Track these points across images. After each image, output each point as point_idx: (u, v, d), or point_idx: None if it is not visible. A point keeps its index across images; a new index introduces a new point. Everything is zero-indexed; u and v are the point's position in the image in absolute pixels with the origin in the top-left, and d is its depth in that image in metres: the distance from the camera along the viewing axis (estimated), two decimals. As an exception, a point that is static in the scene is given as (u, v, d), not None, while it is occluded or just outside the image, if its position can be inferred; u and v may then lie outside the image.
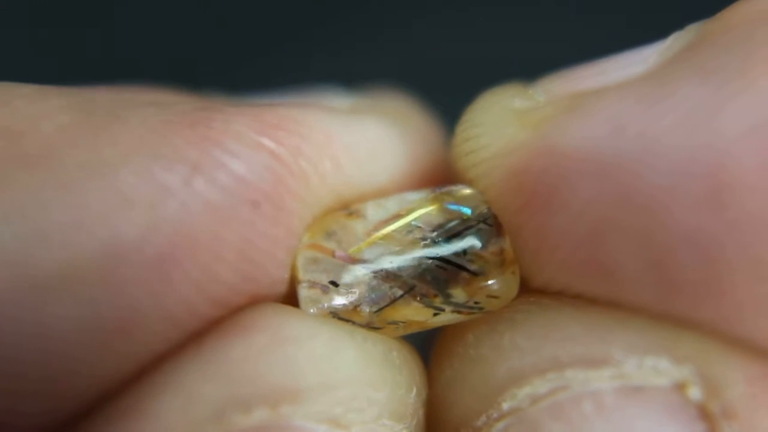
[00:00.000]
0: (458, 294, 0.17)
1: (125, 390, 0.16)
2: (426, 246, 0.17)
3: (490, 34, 0.41)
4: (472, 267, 0.17)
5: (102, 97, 0.17)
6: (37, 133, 0.15)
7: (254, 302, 0.16)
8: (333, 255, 0.17)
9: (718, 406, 0.15)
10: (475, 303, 0.17)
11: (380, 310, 0.17)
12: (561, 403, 0.15)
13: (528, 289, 0.17)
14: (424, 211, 0.17)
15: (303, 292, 0.17)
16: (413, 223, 0.17)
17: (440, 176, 0.19)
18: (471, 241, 0.17)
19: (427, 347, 0.18)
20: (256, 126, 0.16)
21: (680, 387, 0.15)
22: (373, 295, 0.17)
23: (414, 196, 0.18)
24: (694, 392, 0.15)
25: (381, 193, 0.18)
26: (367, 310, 0.17)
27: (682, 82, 0.15)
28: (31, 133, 0.15)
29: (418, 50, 0.41)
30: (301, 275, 0.17)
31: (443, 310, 0.17)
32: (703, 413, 0.15)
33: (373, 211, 0.17)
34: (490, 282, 0.17)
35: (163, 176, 0.15)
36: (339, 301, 0.17)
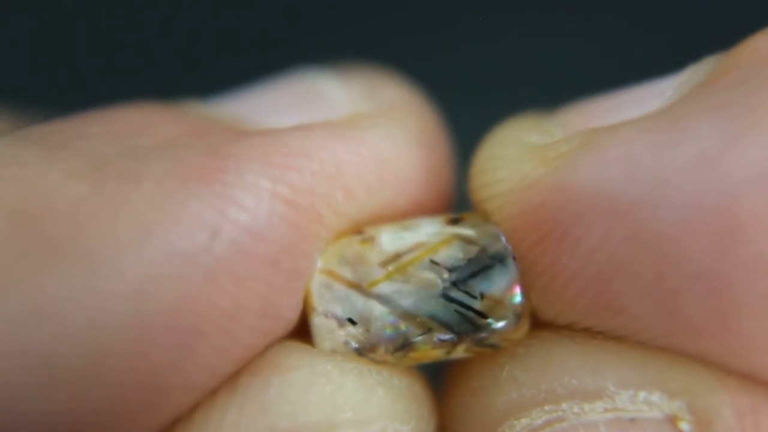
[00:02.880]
0: (474, 336, 0.17)
1: None
2: (444, 286, 0.17)
3: (496, 38, 0.41)
4: (490, 311, 0.17)
5: (109, 150, 0.16)
6: (53, 212, 0.15)
7: (271, 344, 0.17)
8: (348, 284, 0.17)
9: None
10: (490, 344, 0.17)
11: (397, 350, 0.17)
12: None
13: (536, 323, 0.17)
14: (441, 248, 0.17)
15: (319, 323, 0.17)
16: (431, 259, 0.17)
17: (447, 180, 0.20)
18: (489, 282, 0.17)
19: (439, 376, 0.19)
20: (268, 172, 0.16)
21: (672, 420, 0.16)
22: (391, 334, 0.17)
23: (429, 227, 0.18)
24: (685, 426, 0.16)
25: (393, 210, 0.18)
26: (383, 349, 0.17)
27: (695, 121, 0.15)
28: (47, 213, 0.15)
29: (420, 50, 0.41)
30: (316, 303, 0.17)
31: (457, 349, 0.17)
32: None
33: (388, 241, 0.17)
34: (506, 326, 0.17)
35: (185, 247, 0.15)
36: (357, 338, 0.17)
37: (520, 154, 0.17)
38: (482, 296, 0.17)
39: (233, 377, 0.16)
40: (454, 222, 0.18)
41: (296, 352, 0.17)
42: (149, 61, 0.42)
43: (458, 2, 0.41)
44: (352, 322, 0.17)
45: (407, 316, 0.17)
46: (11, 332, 0.14)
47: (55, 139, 0.17)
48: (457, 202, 0.20)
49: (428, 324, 0.17)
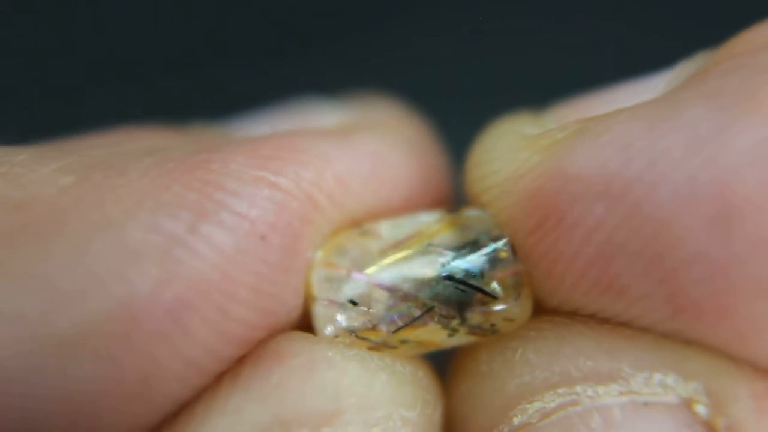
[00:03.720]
0: (475, 316, 0.17)
1: (163, 426, 0.16)
2: (443, 268, 0.17)
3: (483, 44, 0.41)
4: (489, 289, 0.17)
5: (98, 152, 0.17)
6: (42, 199, 0.15)
7: (274, 333, 0.17)
8: (348, 273, 0.17)
9: (723, 423, 0.15)
10: (491, 325, 0.17)
11: (398, 330, 0.17)
12: (570, 417, 0.16)
13: (542, 311, 0.17)
14: (440, 233, 0.17)
15: (319, 310, 0.17)
16: (430, 244, 0.17)
17: (441, 183, 0.20)
18: (488, 264, 0.17)
19: (444, 364, 0.18)
20: (252, 161, 0.16)
21: (687, 403, 0.16)
22: (391, 315, 0.17)
23: (427, 218, 0.18)
24: (701, 408, 0.15)
25: (390, 208, 0.18)
26: (385, 329, 0.17)
27: (689, 106, 0.15)
28: (36, 200, 0.15)
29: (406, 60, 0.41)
30: (317, 292, 0.17)
31: (458, 331, 0.17)
32: (710, 429, 0.15)
33: (387, 231, 0.18)
34: (506, 305, 0.17)
35: (169, 226, 0.15)
36: (358, 320, 0.17)
37: (515, 145, 0.17)
38: (481, 275, 0.17)
39: (236, 365, 0.16)
40: (451, 213, 0.18)
41: (298, 340, 0.17)
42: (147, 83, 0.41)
43: (452, 9, 0.41)
44: (353, 303, 0.17)
45: (409, 297, 0.17)
46: (1, 306, 0.14)
47: (47, 146, 0.17)
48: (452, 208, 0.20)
49: (429, 304, 0.17)
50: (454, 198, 0.20)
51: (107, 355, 0.15)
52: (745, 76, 0.15)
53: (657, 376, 0.16)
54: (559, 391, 0.16)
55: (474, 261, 0.17)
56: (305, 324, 0.17)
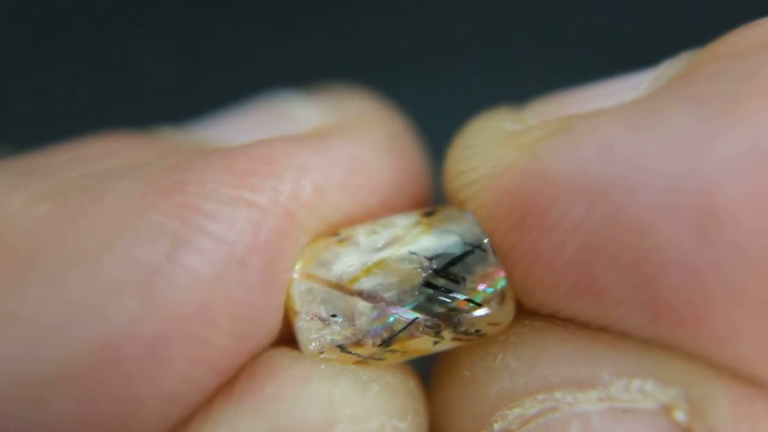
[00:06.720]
0: (459, 323, 0.17)
1: None
2: (425, 275, 0.17)
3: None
4: (473, 296, 0.17)
5: (74, 173, 0.16)
6: (16, 231, 0.15)
7: (255, 353, 0.16)
8: (328, 284, 0.17)
9: (702, 428, 0.15)
10: (476, 330, 0.17)
11: (384, 343, 0.17)
12: (549, 424, 0.16)
13: (522, 312, 0.17)
14: (418, 238, 0.17)
15: (303, 325, 0.17)
16: (409, 250, 0.17)
17: (420, 180, 0.20)
18: (469, 268, 0.17)
19: (428, 368, 0.19)
20: (228, 179, 0.16)
21: (666, 409, 0.16)
22: (376, 328, 0.17)
23: (404, 221, 0.18)
24: (680, 415, 0.15)
25: (367, 212, 0.18)
26: (371, 342, 0.17)
27: (673, 110, 0.15)
28: (10, 232, 0.15)
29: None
30: (298, 307, 0.17)
31: (444, 338, 0.17)
32: None
33: (365, 238, 0.17)
34: (490, 310, 0.17)
35: (147, 255, 0.15)
36: (342, 334, 0.17)
37: (495, 141, 0.17)
38: (464, 282, 0.17)
39: (229, 383, 0.16)
40: (429, 214, 0.18)
41: (289, 355, 0.17)
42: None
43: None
44: (336, 318, 0.17)
45: (392, 308, 0.17)
46: None
47: (21, 167, 0.17)
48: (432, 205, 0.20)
49: (413, 314, 0.17)
50: (433, 195, 0.20)
51: (85, 392, 0.15)
52: (730, 79, 0.15)
53: (636, 383, 0.16)
54: (539, 397, 0.16)
55: (455, 267, 0.17)
56: (284, 335, 0.17)
